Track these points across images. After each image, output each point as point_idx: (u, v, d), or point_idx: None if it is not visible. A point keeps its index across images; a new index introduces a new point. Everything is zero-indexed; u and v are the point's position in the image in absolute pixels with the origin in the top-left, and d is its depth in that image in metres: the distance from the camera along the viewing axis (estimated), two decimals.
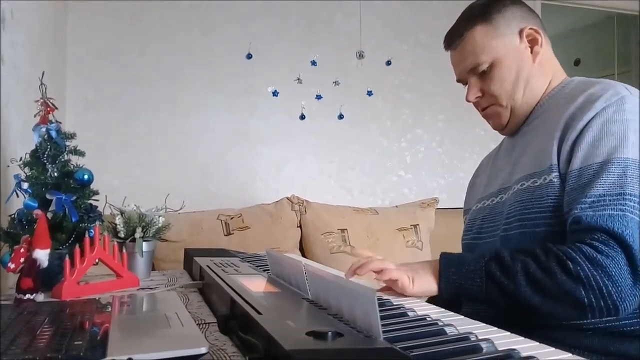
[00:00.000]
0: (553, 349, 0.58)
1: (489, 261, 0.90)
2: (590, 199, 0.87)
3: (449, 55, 1.16)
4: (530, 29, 1.08)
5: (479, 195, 1.22)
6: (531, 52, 1.09)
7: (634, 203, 0.85)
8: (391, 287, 0.98)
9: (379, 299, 0.76)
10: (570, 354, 0.56)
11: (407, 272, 0.96)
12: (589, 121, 0.93)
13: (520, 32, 1.08)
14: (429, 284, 0.95)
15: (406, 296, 0.95)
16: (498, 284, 0.88)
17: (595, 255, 0.82)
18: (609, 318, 0.86)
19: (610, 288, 0.81)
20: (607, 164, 0.88)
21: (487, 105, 1.13)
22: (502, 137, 1.24)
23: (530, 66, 1.08)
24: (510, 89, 1.08)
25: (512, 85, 1.08)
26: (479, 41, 1.08)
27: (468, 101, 1.13)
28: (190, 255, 1.39)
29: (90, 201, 1.21)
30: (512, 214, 1.01)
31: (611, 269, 0.81)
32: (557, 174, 0.95)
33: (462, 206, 1.35)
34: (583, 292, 0.82)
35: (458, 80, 1.16)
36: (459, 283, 0.92)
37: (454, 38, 1.13)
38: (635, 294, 0.81)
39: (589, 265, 0.82)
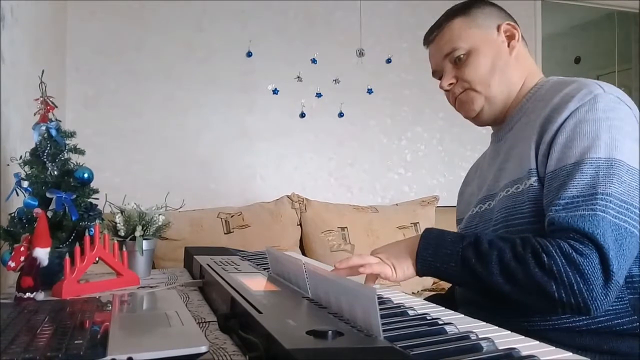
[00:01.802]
0: (553, 347, 0.58)
1: (466, 246, 0.91)
2: (563, 201, 0.87)
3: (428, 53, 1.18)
4: (508, 24, 1.11)
5: (471, 205, 1.21)
6: (508, 45, 1.10)
7: (606, 202, 0.84)
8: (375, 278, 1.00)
9: (379, 298, 0.76)
10: (569, 353, 0.56)
11: (387, 261, 0.98)
12: (563, 122, 0.93)
13: (498, 28, 1.10)
14: (410, 269, 0.97)
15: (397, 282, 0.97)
16: (472, 270, 0.89)
17: (570, 252, 0.82)
18: (601, 318, 0.87)
19: (581, 286, 0.81)
20: (580, 165, 0.88)
21: (460, 92, 1.12)
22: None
23: (506, 57, 1.09)
24: (486, 76, 1.08)
25: (488, 73, 1.08)
26: (457, 30, 1.10)
27: (441, 88, 1.14)
28: (190, 254, 1.39)
29: (90, 200, 1.21)
30: (498, 221, 1.01)
31: (584, 267, 0.81)
32: (536, 177, 0.95)
33: None
34: (554, 287, 0.82)
35: (433, 73, 1.17)
36: (435, 266, 0.93)
37: (432, 30, 1.15)
38: (606, 294, 0.81)
39: (563, 261, 0.82)
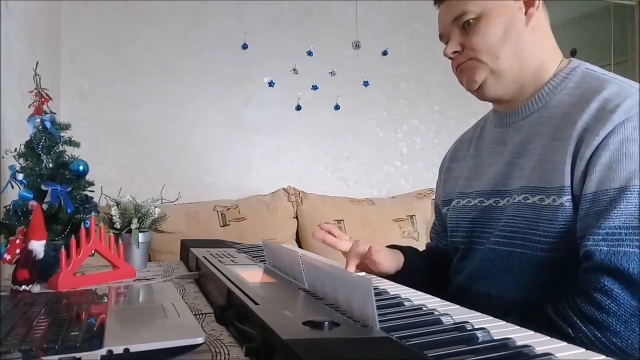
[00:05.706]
0: (548, 337, 0.58)
1: None
2: (604, 231, 0.79)
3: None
4: None
5: (459, 189, 1.13)
6: (525, 13, 0.98)
7: None
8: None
9: (375, 289, 0.76)
10: (564, 343, 0.56)
11: None
12: (605, 137, 0.83)
13: None
14: None
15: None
16: None
17: (596, 316, 0.76)
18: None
19: (614, 340, 0.75)
20: (625, 192, 0.79)
21: (463, 60, 1.01)
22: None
23: (522, 28, 0.97)
24: (494, 46, 0.97)
25: (497, 42, 0.97)
26: None
27: (445, 55, 1.03)
28: (186, 246, 1.38)
29: (85, 192, 1.21)
30: (514, 230, 0.94)
31: (615, 326, 0.75)
32: (569, 197, 0.86)
33: None
34: (588, 346, 0.73)
35: (440, 37, 1.06)
36: None
37: None
38: None
39: (592, 328, 0.76)
